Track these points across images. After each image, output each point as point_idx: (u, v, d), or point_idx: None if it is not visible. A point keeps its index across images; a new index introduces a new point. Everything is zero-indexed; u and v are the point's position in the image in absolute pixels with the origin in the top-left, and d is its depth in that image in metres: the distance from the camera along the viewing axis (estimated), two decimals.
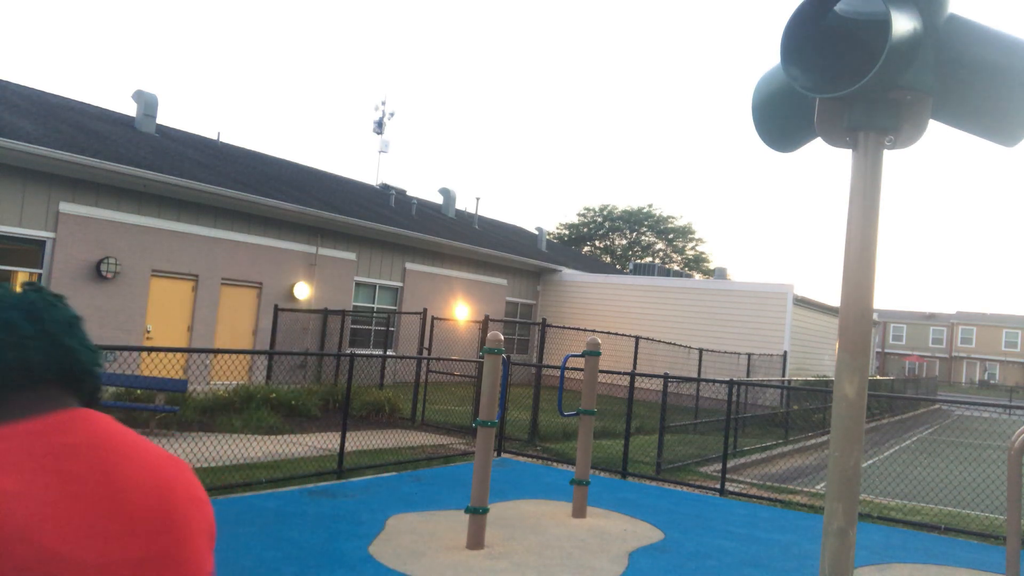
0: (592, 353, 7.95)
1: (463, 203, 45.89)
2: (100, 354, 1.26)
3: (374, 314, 20.10)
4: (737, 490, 9.94)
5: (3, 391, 1.11)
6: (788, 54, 2.77)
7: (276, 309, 17.26)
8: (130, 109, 24.47)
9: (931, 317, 75.89)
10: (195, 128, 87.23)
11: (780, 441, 16.01)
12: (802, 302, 23.26)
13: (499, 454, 11.01)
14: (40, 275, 13.24)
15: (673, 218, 55.20)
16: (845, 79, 2.74)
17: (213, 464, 8.63)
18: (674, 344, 21.46)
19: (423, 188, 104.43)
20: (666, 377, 10.91)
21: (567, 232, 56.11)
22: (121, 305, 14.25)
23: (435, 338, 19.61)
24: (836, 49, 2.86)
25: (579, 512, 7.58)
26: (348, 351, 15.53)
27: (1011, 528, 4.11)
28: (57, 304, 1.22)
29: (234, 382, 14.56)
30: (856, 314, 2.88)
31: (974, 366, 72.68)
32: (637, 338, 19.44)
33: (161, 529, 1.13)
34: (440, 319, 18.66)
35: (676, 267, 52.32)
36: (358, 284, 19.92)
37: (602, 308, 25.03)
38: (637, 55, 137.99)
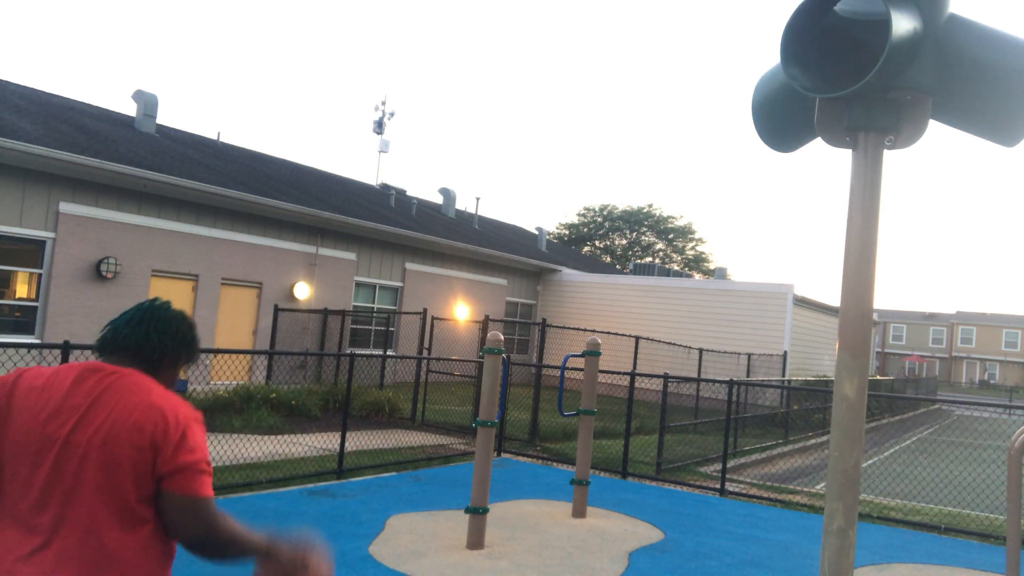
0: (592, 353, 7.95)
1: (463, 203, 45.89)
2: (165, 344, 2.09)
3: (374, 314, 20.10)
4: (737, 490, 9.94)
5: (100, 352, 2.08)
6: (788, 54, 2.77)
7: (276, 309, 17.26)
8: (130, 109, 24.47)
9: (931, 317, 75.90)
10: (195, 128, 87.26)
11: (780, 441, 16.01)
12: (802, 302, 23.26)
13: (499, 454, 11.01)
14: (40, 275, 13.24)
15: (673, 218, 55.22)
16: (845, 79, 2.74)
17: (213, 464, 8.62)
18: (674, 344, 21.46)
19: (423, 188, 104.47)
20: (666, 377, 10.91)
21: (567, 232, 56.12)
22: (121, 305, 14.25)
23: (435, 338, 19.61)
24: (836, 49, 2.86)
25: (579, 512, 7.59)
26: (348, 351, 15.53)
27: (1011, 528, 4.11)
28: (158, 311, 2.12)
29: (234, 382, 14.56)
30: (856, 314, 2.88)
31: (974, 366, 72.69)
32: (637, 338, 19.44)
33: (83, 418, 1.89)
34: (440, 319, 18.67)
35: (676, 267, 52.32)
36: (358, 284, 19.92)
37: (602, 308, 25.03)
38: (637, 55, 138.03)
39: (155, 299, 2.18)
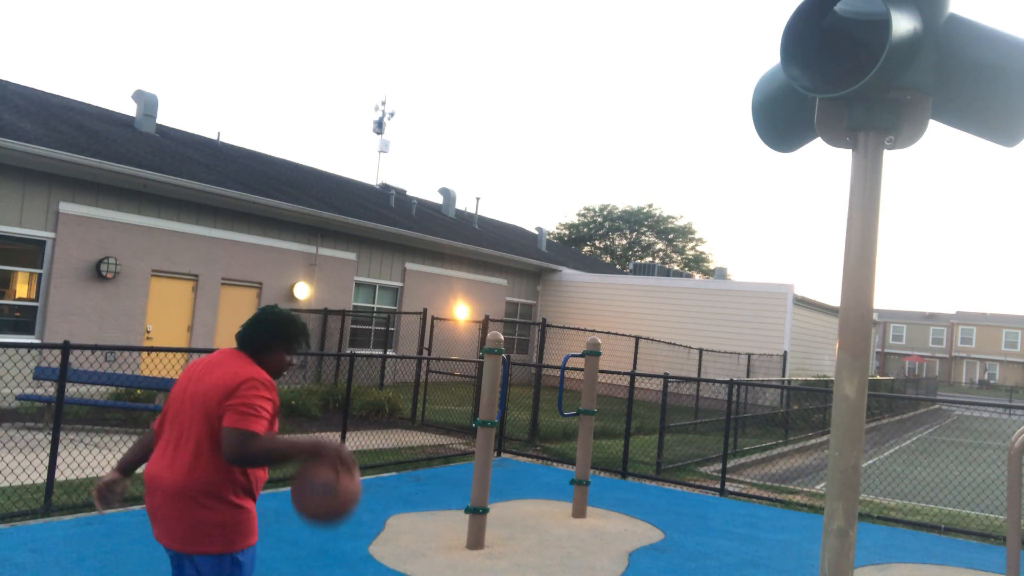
0: (592, 353, 7.95)
1: (463, 203, 45.90)
2: (262, 337, 3.02)
3: (374, 314, 20.10)
4: (737, 490, 9.94)
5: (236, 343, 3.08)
6: (788, 54, 2.77)
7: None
8: (130, 109, 24.45)
9: (931, 317, 75.90)
10: (195, 128, 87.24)
11: (780, 441, 16.01)
12: (802, 302, 23.27)
13: (499, 454, 11.02)
14: (40, 275, 13.24)
15: (673, 218, 55.18)
16: (845, 79, 2.74)
17: None
18: (674, 344, 21.46)
19: (423, 188, 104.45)
20: (666, 377, 10.91)
21: (567, 232, 56.11)
22: (121, 305, 14.25)
23: (435, 338, 19.62)
24: (836, 49, 2.86)
25: (579, 512, 7.59)
26: (348, 351, 15.53)
27: (1011, 528, 4.11)
28: (262, 313, 3.04)
29: None
30: (856, 314, 2.88)
31: (974, 366, 72.69)
32: (637, 338, 19.44)
33: (200, 381, 2.90)
34: (440, 319, 18.67)
35: (676, 267, 52.31)
36: (358, 284, 19.92)
37: (602, 308, 25.03)
38: (637, 55, 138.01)
39: (267, 306, 3.11)
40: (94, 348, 6.67)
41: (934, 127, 2.87)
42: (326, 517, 2.74)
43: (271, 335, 3.00)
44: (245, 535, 2.87)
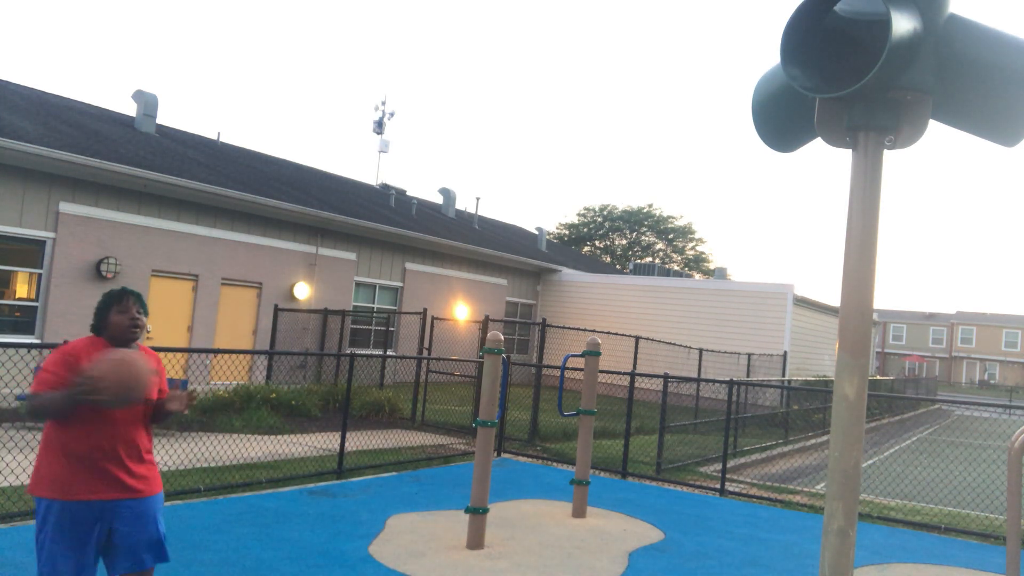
0: (592, 353, 7.95)
1: (463, 203, 45.91)
2: (94, 317, 3.52)
3: (374, 314, 20.10)
4: (737, 490, 9.94)
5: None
6: (788, 54, 2.77)
7: (276, 309, 17.26)
8: (130, 109, 24.45)
9: (931, 317, 75.89)
10: (195, 128, 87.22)
11: (780, 441, 16.01)
12: (802, 302, 23.26)
13: (499, 454, 11.01)
14: (40, 275, 13.24)
15: (673, 218, 55.18)
16: (845, 79, 2.74)
17: (213, 464, 8.63)
18: (674, 344, 21.46)
19: (423, 188, 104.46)
20: (666, 377, 10.91)
21: (567, 232, 56.10)
22: None
23: (435, 338, 19.61)
24: (836, 49, 2.86)
25: (579, 512, 7.59)
26: (348, 351, 15.53)
27: (1011, 528, 4.11)
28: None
29: (234, 382, 14.57)
30: (856, 314, 2.88)
31: (974, 366, 72.68)
32: (637, 338, 19.44)
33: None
34: (440, 319, 18.66)
35: (676, 267, 52.30)
36: (358, 284, 19.92)
37: (602, 308, 25.03)
38: (637, 55, 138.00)
39: None
40: None
41: (934, 127, 2.87)
42: (123, 386, 3.12)
43: (96, 310, 3.48)
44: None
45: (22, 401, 11.54)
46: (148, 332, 14.76)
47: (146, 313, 3.56)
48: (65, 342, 3.48)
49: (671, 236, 55.13)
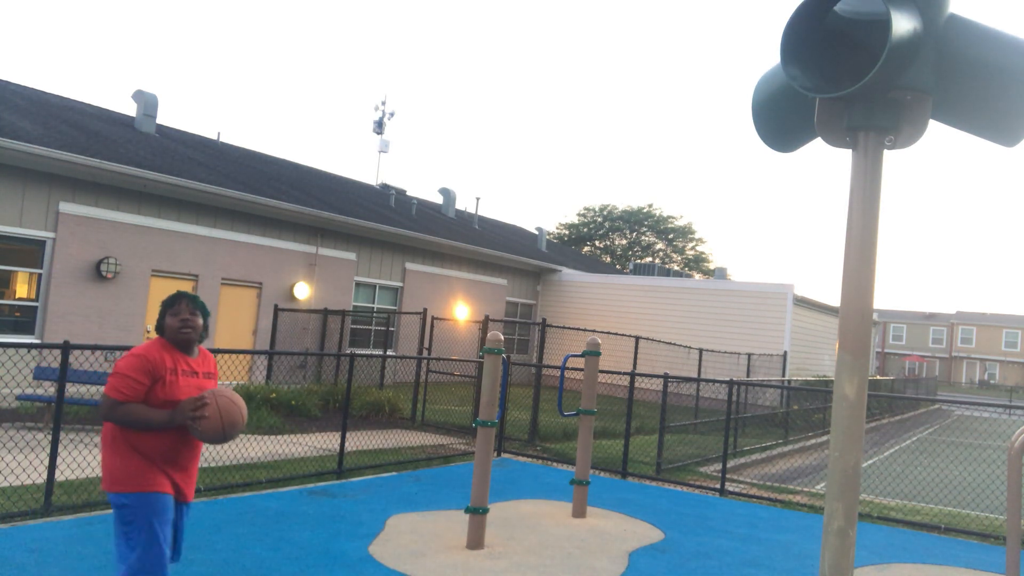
0: (592, 353, 7.95)
1: (463, 203, 45.90)
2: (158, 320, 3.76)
3: (374, 314, 20.10)
4: (737, 490, 9.94)
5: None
6: (788, 54, 2.77)
7: (276, 309, 17.26)
8: (130, 109, 24.46)
9: (931, 317, 75.88)
10: (195, 128, 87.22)
11: (780, 441, 16.01)
12: (802, 302, 23.26)
13: (499, 454, 11.01)
14: (40, 275, 13.24)
15: (673, 218, 55.17)
16: (845, 79, 2.75)
17: (213, 464, 8.63)
18: (674, 344, 21.46)
19: (423, 188, 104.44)
20: (666, 377, 10.91)
21: (567, 232, 56.10)
22: (121, 305, 14.25)
23: (435, 338, 19.60)
24: (836, 49, 2.86)
25: (579, 512, 7.58)
26: (348, 351, 15.53)
27: (1011, 528, 4.11)
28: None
29: (234, 382, 14.57)
30: (856, 314, 2.88)
31: (974, 366, 72.68)
32: (637, 338, 19.44)
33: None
34: (440, 319, 18.66)
35: (676, 267, 52.30)
36: (358, 284, 19.92)
37: (602, 308, 25.03)
38: (637, 55, 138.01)
39: None
40: (94, 348, 6.67)
41: (934, 127, 2.87)
42: (221, 433, 3.45)
43: (159, 314, 3.73)
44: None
45: (28, 402, 11.54)
46: (148, 332, 14.76)
47: (205, 314, 3.73)
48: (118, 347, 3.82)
49: (671, 236, 55.13)
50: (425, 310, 16.63)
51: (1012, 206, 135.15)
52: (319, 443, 10.80)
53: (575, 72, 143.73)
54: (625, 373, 10.80)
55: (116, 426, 3.48)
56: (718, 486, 9.75)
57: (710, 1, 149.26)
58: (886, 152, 2.88)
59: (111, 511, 6.44)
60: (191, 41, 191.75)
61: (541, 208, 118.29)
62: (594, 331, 14.13)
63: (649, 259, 54.41)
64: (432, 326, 17.12)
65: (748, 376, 21.13)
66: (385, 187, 28.84)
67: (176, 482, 3.59)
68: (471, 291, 23.65)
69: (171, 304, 3.66)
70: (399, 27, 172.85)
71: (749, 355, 21.31)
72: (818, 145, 3.18)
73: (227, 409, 3.45)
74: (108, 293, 14.04)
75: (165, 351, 3.58)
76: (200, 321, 3.68)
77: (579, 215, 56.64)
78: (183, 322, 3.61)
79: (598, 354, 7.96)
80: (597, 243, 56.55)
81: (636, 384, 11.12)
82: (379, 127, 32.07)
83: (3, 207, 12.68)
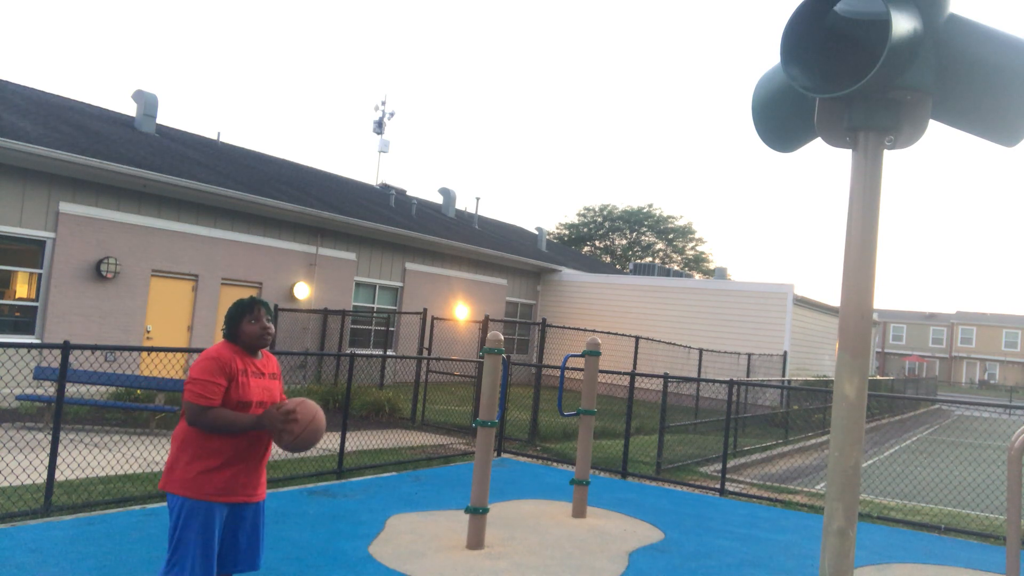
0: (592, 353, 7.95)
1: (463, 203, 45.90)
2: (227, 323, 3.76)
3: (374, 314, 20.10)
4: (737, 490, 9.94)
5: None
6: (788, 54, 2.77)
7: (276, 309, 17.25)
8: (130, 109, 24.46)
9: (931, 317, 75.87)
10: (195, 128, 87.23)
11: (780, 441, 16.01)
12: (802, 302, 23.26)
13: (499, 454, 11.01)
14: (40, 275, 13.24)
15: (673, 218, 55.15)
16: (845, 79, 2.75)
17: None
18: (674, 344, 21.46)
19: (423, 188, 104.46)
20: (666, 377, 10.91)
21: (567, 232, 56.09)
22: (121, 305, 14.25)
23: (435, 338, 19.61)
24: (836, 49, 2.86)
25: (579, 512, 7.58)
26: (348, 351, 15.53)
27: (1011, 528, 4.11)
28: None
29: None
30: (856, 314, 2.88)
31: (974, 366, 72.67)
32: (637, 338, 19.44)
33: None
34: (440, 319, 18.66)
35: (676, 267, 52.30)
36: (358, 284, 19.92)
37: (602, 308, 25.02)
38: (637, 55, 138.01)
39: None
40: (94, 348, 6.67)
41: (934, 127, 2.87)
42: (304, 441, 3.49)
43: (228, 318, 3.70)
44: None
45: (28, 402, 11.54)
46: (148, 332, 14.77)
47: (275, 320, 3.80)
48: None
49: (671, 236, 55.12)
50: (425, 310, 16.63)
51: (1012, 206, 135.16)
52: (319, 443, 10.79)
53: (575, 72, 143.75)
54: (625, 373, 10.80)
55: (190, 428, 3.51)
56: (718, 486, 9.75)
57: (710, 1, 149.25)
58: (886, 152, 2.88)
59: (111, 511, 6.46)
60: (191, 41, 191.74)
61: (541, 208, 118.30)
62: (594, 331, 14.13)
63: (649, 259, 54.41)
64: (432, 326, 17.12)
65: (748, 376, 21.13)
66: (385, 187, 28.84)
67: (247, 483, 3.61)
68: (471, 291, 23.64)
69: (250, 310, 3.67)
70: (399, 27, 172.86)
71: (749, 355, 21.31)
72: (818, 145, 3.18)
73: (317, 421, 3.50)
74: (108, 293, 14.04)
75: (235, 353, 3.62)
76: (273, 328, 3.77)
77: (579, 215, 56.65)
78: (264, 329, 3.66)
79: (598, 354, 7.96)
80: (597, 243, 56.54)
81: (636, 384, 11.12)
82: (379, 127, 32.06)
83: (3, 207, 12.68)
